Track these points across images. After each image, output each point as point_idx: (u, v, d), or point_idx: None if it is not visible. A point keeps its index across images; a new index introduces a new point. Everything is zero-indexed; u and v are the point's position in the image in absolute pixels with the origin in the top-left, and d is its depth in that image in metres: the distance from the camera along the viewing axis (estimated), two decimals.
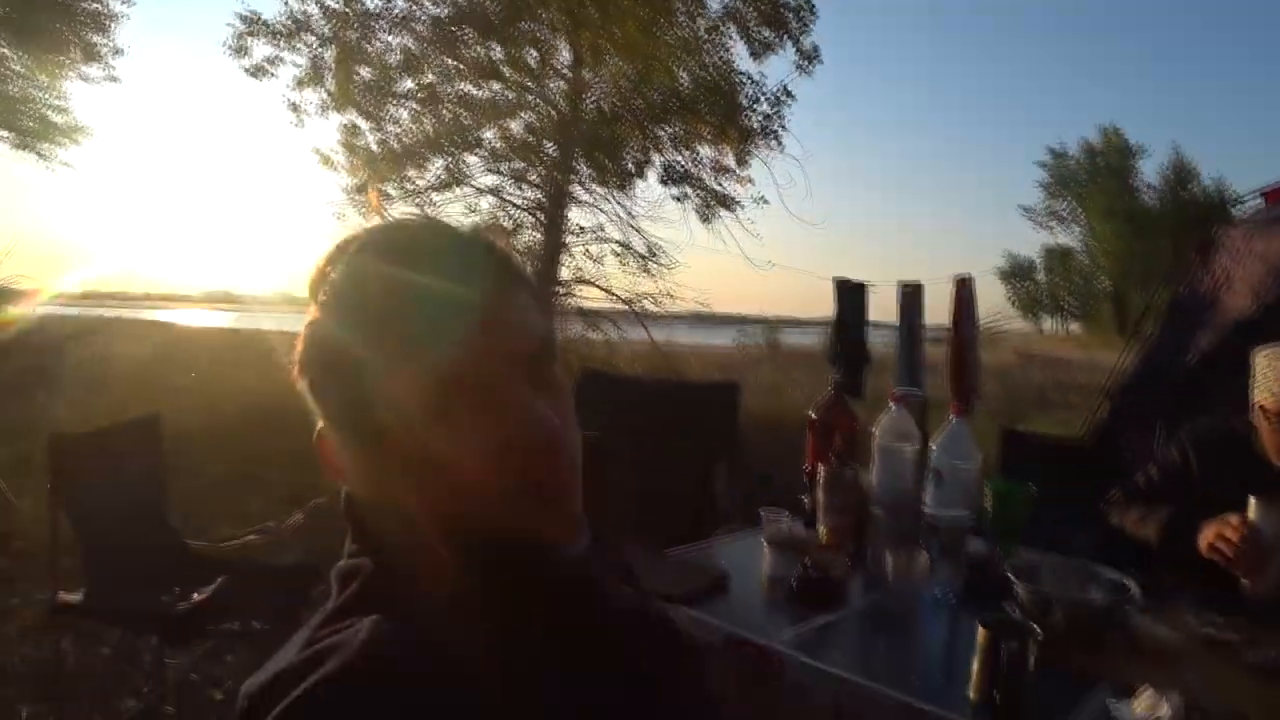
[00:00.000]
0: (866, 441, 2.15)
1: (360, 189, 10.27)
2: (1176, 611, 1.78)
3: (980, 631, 1.35)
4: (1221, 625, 1.69)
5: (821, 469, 2.11)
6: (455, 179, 10.68)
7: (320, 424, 0.77)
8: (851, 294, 7.68)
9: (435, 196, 10.83)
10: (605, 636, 0.77)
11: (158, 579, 2.67)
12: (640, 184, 10.60)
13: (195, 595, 2.30)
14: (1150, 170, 46.26)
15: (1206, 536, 1.93)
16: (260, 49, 9.97)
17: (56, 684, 2.78)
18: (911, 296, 7.43)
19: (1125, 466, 4.14)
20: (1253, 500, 1.77)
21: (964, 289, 7.21)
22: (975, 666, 1.35)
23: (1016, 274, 51.31)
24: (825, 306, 7.78)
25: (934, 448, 1.92)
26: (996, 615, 1.41)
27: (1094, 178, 40.89)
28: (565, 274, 11.46)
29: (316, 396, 0.76)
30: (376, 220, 0.76)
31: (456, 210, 11.15)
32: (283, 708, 0.61)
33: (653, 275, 11.45)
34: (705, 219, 10.91)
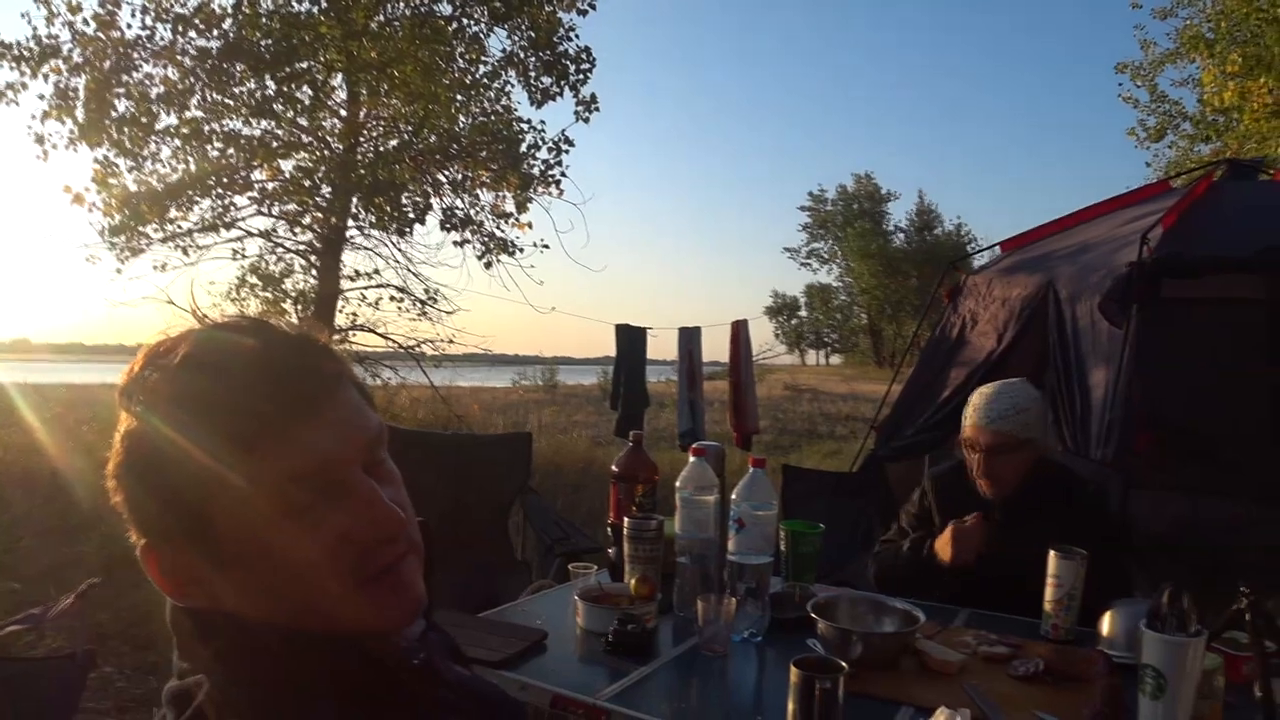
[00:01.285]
0: (668, 491, 2.22)
1: (117, 230, 9.53)
2: (957, 633, 1.97)
3: (794, 672, 1.43)
4: (994, 641, 1.88)
5: (626, 521, 2.16)
6: (223, 221, 10.14)
7: (141, 539, 0.74)
8: (631, 338, 7.88)
9: (200, 239, 10.25)
10: (452, 716, 0.78)
11: None
12: (419, 228, 10.44)
13: None
14: (899, 214, 50.28)
15: (945, 546, 2.31)
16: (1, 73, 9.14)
17: None
18: (690, 339, 7.71)
19: (892, 495, 4.49)
20: (1051, 553, 1.99)
21: (740, 330, 7.57)
22: (791, 705, 1.44)
23: (782, 310, 54.09)
24: (602, 347, 7.98)
25: (734, 496, 2.02)
26: (806, 656, 1.50)
27: (849, 220, 43.86)
28: (341, 320, 11.11)
29: (138, 508, 0.73)
30: (189, 326, 0.73)
31: (224, 252, 10.61)
32: None
33: (432, 320, 11.30)
34: (486, 264, 10.88)
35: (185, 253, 10.21)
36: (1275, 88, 9.12)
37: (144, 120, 9.29)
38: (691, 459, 2.12)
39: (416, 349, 11.20)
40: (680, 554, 2.08)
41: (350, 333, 11.16)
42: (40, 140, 9.40)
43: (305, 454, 0.70)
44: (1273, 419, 5.22)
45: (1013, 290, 4.51)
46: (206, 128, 9.61)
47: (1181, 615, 1.37)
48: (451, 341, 11.42)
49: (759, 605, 1.96)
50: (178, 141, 9.62)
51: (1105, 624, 1.87)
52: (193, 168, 9.57)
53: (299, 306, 11.16)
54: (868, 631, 1.81)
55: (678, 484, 2.09)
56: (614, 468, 2.45)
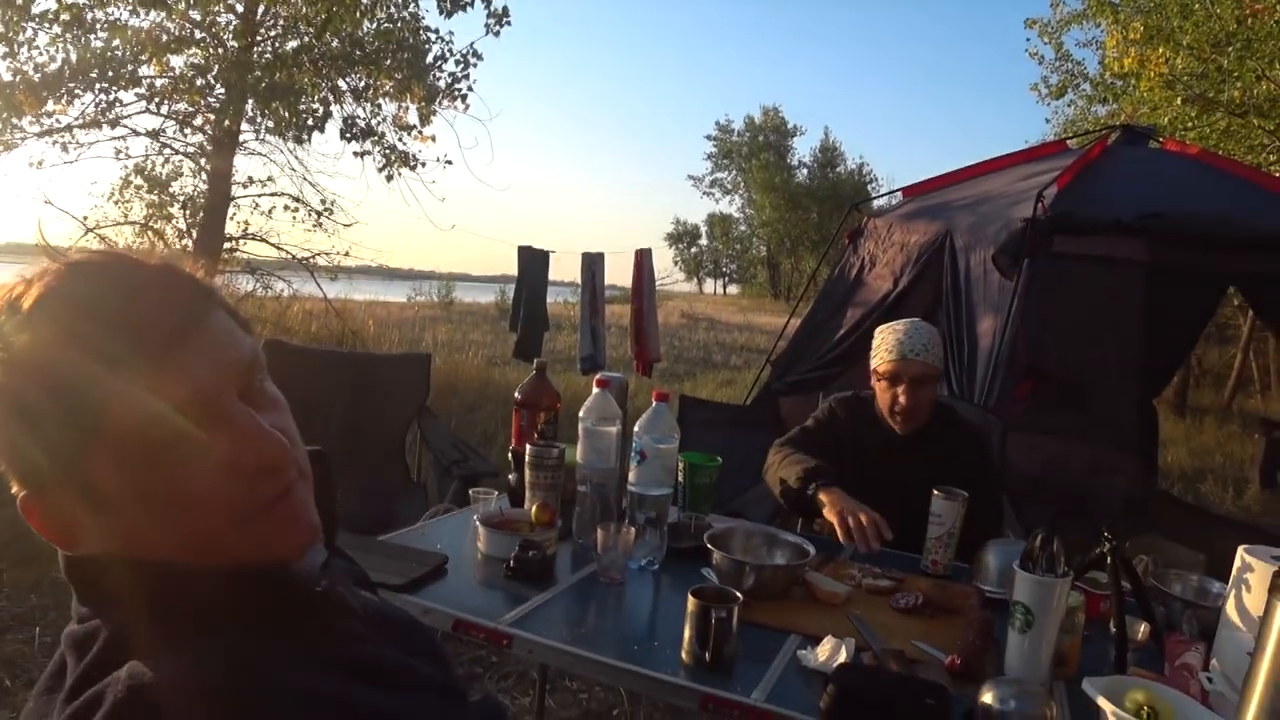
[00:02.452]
0: (570, 423, 2.25)
1: None
2: (843, 566, 2.07)
3: (691, 601, 1.50)
4: (877, 575, 1.98)
5: (529, 448, 2.18)
6: (107, 118, 9.57)
7: (20, 490, 0.72)
8: (533, 260, 7.83)
9: (82, 135, 9.67)
10: (357, 645, 0.78)
11: None
12: (318, 137, 10.06)
13: None
14: (804, 149, 50.62)
15: (837, 506, 2.21)
16: None
17: None
18: (593, 264, 7.70)
19: (785, 428, 4.62)
20: (935, 493, 2.10)
21: (644, 260, 7.59)
22: (687, 632, 1.50)
23: (683, 238, 54.27)
24: (500, 265, 7.96)
25: (637, 429, 2.06)
26: (703, 586, 1.57)
27: (755, 152, 43.96)
28: (232, 228, 10.71)
29: (13, 461, 0.71)
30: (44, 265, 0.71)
31: (107, 151, 10.05)
32: None
33: (328, 231, 10.99)
34: (387, 177, 10.59)
35: (64, 149, 9.61)
36: (1171, 59, 9.42)
37: (19, 2, 8.63)
38: (595, 390, 2.14)
39: (310, 261, 10.90)
40: (581, 483, 2.12)
41: (241, 241, 10.79)
42: None
43: (175, 386, 0.69)
44: (1140, 373, 5.55)
45: (911, 236, 4.64)
46: (89, 15, 8.99)
47: (1051, 557, 1.48)
48: (347, 254, 11.16)
49: (657, 535, 2.01)
50: (57, 28, 8.97)
51: (980, 561, 2.00)
52: (74, 58, 8.93)
53: (186, 212, 10.70)
54: (760, 564, 1.89)
55: (581, 414, 2.11)
56: (517, 395, 2.47)
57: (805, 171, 44.65)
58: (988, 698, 1.34)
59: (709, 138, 46.65)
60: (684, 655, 1.51)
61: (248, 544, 0.73)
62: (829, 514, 2.22)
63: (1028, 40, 12.66)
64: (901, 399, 2.46)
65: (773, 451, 2.61)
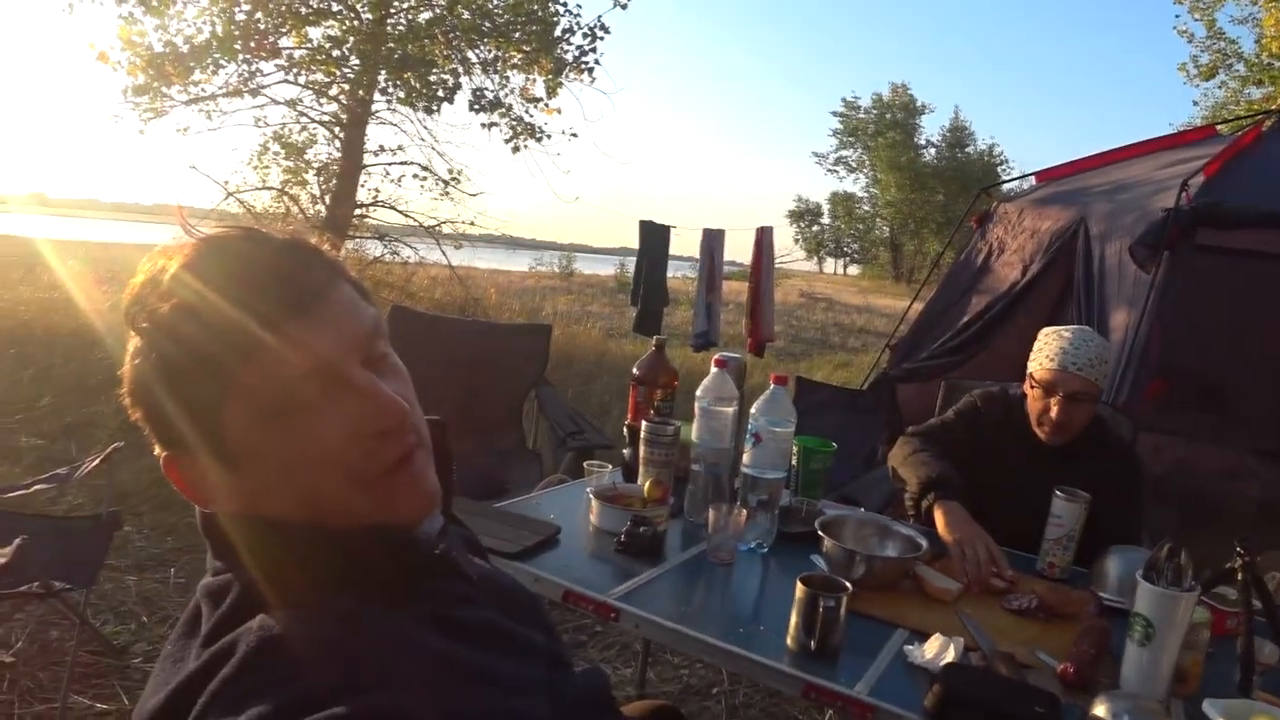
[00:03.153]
0: (686, 399, 2.27)
1: (140, 90, 9.42)
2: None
3: (799, 588, 1.50)
4: (991, 575, 1.94)
5: (644, 424, 2.21)
6: (248, 87, 10.00)
7: (162, 451, 0.78)
8: (655, 235, 7.84)
9: (225, 104, 10.15)
10: (468, 608, 0.81)
11: None
12: (447, 107, 10.30)
13: None
14: (932, 128, 49.20)
15: (953, 532, 2.04)
16: None
17: None
18: (713, 241, 7.67)
19: (901, 415, 4.55)
20: (1056, 493, 2.02)
21: (764, 237, 7.53)
22: (794, 619, 1.51)
23: (804, 216, 53.54)
24: (620, 238, 8.01)
25: (754, 411, 2.06)
26: (812, 574, 1.56)
27: (881, 130, 42.95)
28: (363, 195, 11.08)
29: (155, 422, 0.77)
30: (184, 238, 0.76)
31: (247, 119, 10.51)
32: (194, 716, 0.64)
33: (454, 200, 11.26)
34: (514, 149, 10.76)
35: (208, 117, 10.14)
36: None
37: None
38: (713, 370, 2.15)
39: (436, 228, 11.19)
40: (695, 461, 2.13)
41: (371, 208, 11.15)
42: None
43: (302, 352, 0.73)
44: None
45: (1043, 222, 4.48)
46: None
47: (1178, 570, 1.42)
48: (472, 223, 11.42)
49: (768, 518, 2.02)
50: (204, 1, 9.43)
51: (1101, 567, 1.93)
52: (219, 30, 9.37)
53: (320, 178, 11.13)
54: (871, 554, 1.87)
55: (698, 393, 2.12)
56: (635, 370, 2.49)
57: (933, 151, 43.46)
58: (1100, 710, 1.30)
59: (835, 114, 45.83)
60: (789, 641, 1.52)
61: (369, 506, 0.77)
62: (943, 535, 2.06)
63: (1176, 16, 12.00)
64: (1053, 412, 2.29)
65: (901, 442, 2.46)
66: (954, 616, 1.70)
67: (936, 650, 1.51)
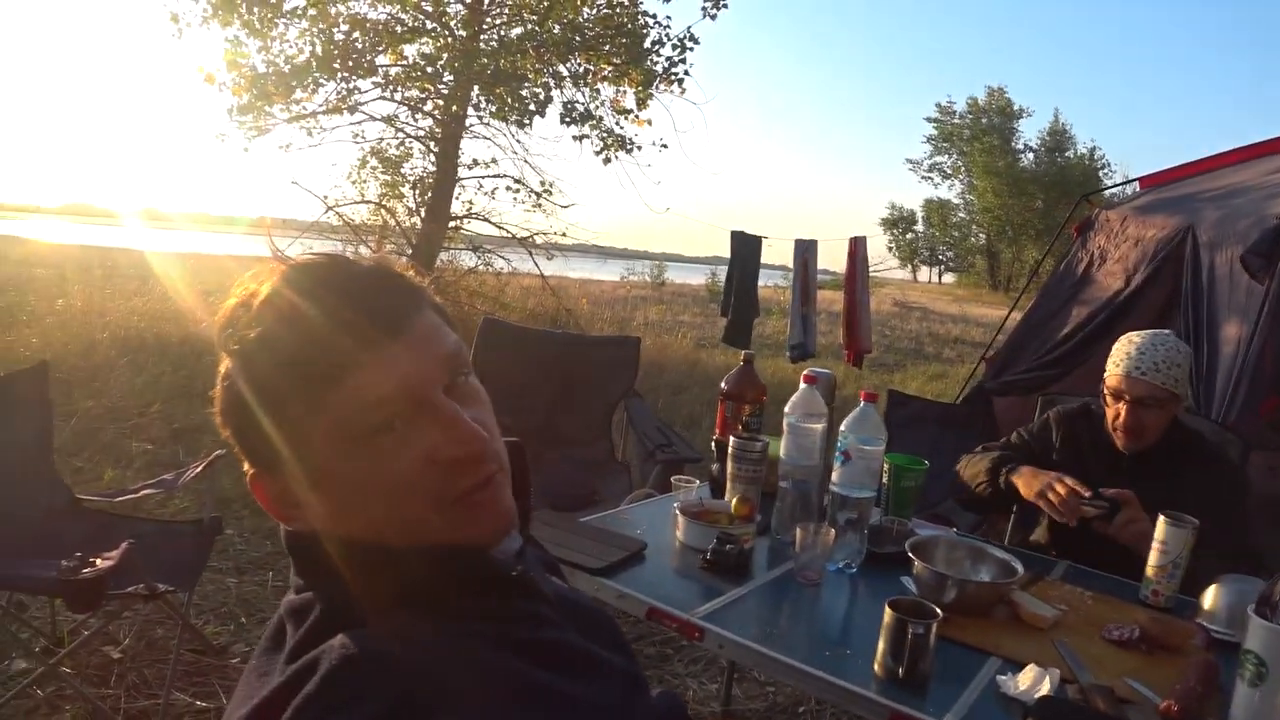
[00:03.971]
0: (775, 413, 2.24)
1: (245, 110, 9.80)
2: (1052, 586, 1.96)
3: (887, 613, 1.47)
4: (1092, 600, 1.87)
5: (732, 440, 2.19)
6: (347, 104, 10.32)
7: (250, 469, 0.80)
8: (746, 245, 7.80)
9: (324, 121, 10.48)
10: (546, 629, 0.82)
11: (54, 542, 2.59)
12: (538, 120, 10.45)
13: (99, 561, 2.24)
14: (1030, 132, 48.00)
15: (1033, 485, 2.24)
16: None
17: None
18: (806, 251, 7.60)
19: (997, 430, 4.42)
20: (1161, 519, 1.94)
21: (858, 247, 7.43)
22: (881, 645, 1.47)
23: (898, 223, 52.76)
24: (711, 246, 8.01)
25: (843, 429, 2.03)
26: (900, 598, 1.53)
27: (977, 135, 42.08)
28: (457, 207, 11.29)
29: (244, 442, 0.79)
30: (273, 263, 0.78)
31: (346, 135, 10.83)
32: None
33: (546, 212, 11.39)
34: (605, 160, 10.85)
35: (309, 134, 10.48)
36: None
37: (273, 1, 9.43)
38: (802, 385, 2.13)
39: (529, 240, 11.34)
40: (783, 478, 2.11)
41: (465, 220, 11.35)
42: (175, 19, 9.64)
43: (386, 377, 0.75)
44: None
45: (1148, 230, 4.31)
46: (333, 9, 9.72)
47: None
48: (564, 235, 11.53)
49: (857, 537, 1.98)
50: (304, 22, 9.76)
51: (1209, 597, 1.81)
52: (318, 50, 9.70)
53: (416, 191, 11.36)
54: (963, 578, 1.82)
55: (786, 409, 2.10)
56: (723, 385, 2.49)
57: (1031, 156, 42.39)
58: None
59: (929, 120, 45.14)
60: (876, 667, 1.48)
61: (448, 528, 0.78)
62: (1027, 496, 2.24)
63: None
64: (1122, 417, 2.31)
65: (962, 461, 2.56)
66: (1050, 646, 1.64)
67: (1030, 681, 1.46)
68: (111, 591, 2.28)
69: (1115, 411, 2.33)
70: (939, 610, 1.48)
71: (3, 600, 2.66)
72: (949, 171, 45.47)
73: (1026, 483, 2.27)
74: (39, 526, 2.69)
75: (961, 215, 48.00)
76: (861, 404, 2.04)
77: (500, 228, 11.37)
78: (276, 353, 0.74)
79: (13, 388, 2.80)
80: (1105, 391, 2.38)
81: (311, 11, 9.65)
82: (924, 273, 55.58)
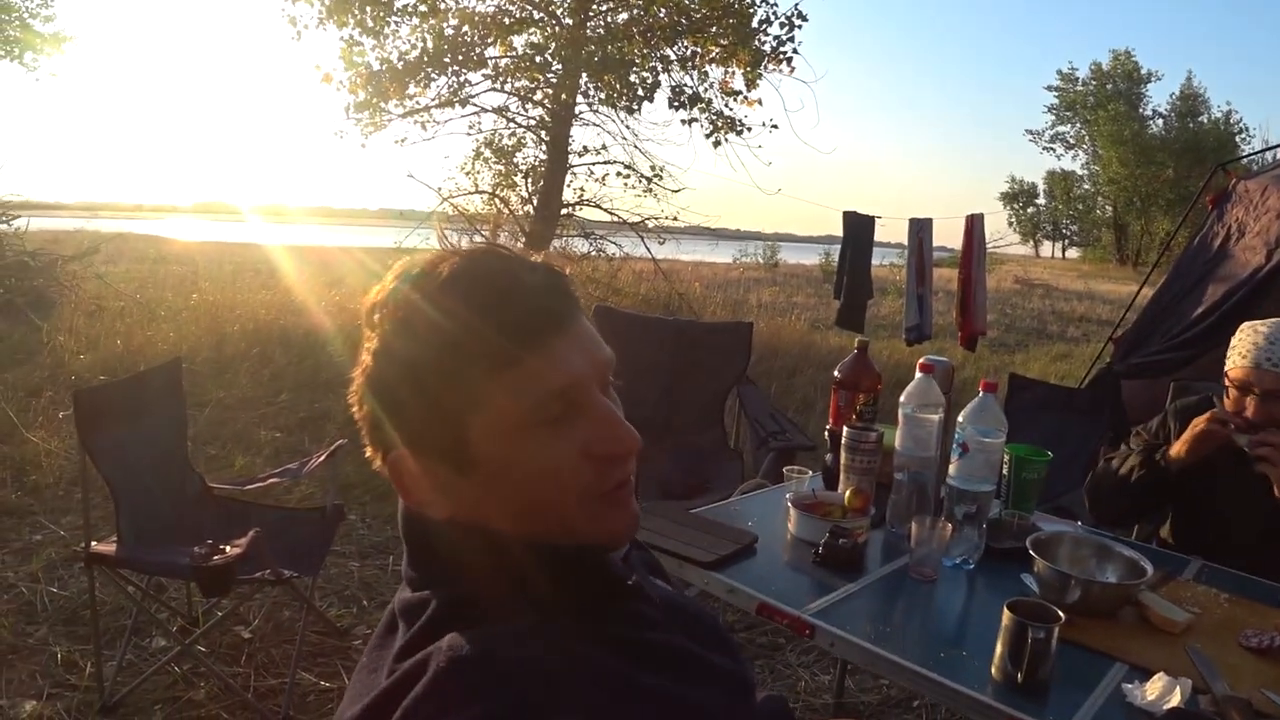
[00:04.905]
0: (891, 399, 2.19)
1: (361, 107, 10.12)
2: (1185, 586, 1.87)
3: (1006, 615, 1.42)
4: (1229, 602, 1.78)
5: (845, 430, 2.15)
6: (459, 97, 10.54)
7: (392, 450, 0.80)
8: (859, 226, 7.64)
9: (438, 114, 10.73)
10: (653, 632, 0.82)
11: (188, 528, 2.74)
12: (647, 106, 10.48)
13: (228, 548, 2.36)
14: (1160, 97, 45.68)
15: (1184, 438, 2.22)
16: None
17: (86, 623, 2.86)
18: (921, 230, 7.40)
19: (1125, 417, 4.23)
20: None
21: (975, 225, 7.20)
22: (999, 648, 1.43)
23: (1018, 197, 51.04)
24: (825, 225, 7.88)
25: (961, 420, 1.97)
26: (1020, 599, 1.47)
27: (1102, 102, 40.27)
28: (569, 194, 11.42)
29: (395, 419, 0.79)
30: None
31: (459, 128, 11.10)
32: None
33: (657, 197, 11.43)
34: (715, 143, 10.80)
35: (424, 127, 10.76)
36: None
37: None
38: (918, 374, 2.08)
39: (640, 224, 11.40)
40: (898, 470, 2.06)
41: (576, 207, 11.48)
42: (293, 22, 10.00)
43: (558, 369, 0.77)
44: None
45: None
46: (443, 5, 9.94)
47: None
48: (675, 219, 11.55)
49: (975, 532, 1.92)
50: (416, 19, 10.02)
51: None
52: (430, 45, 9.93)
53: (528, 180, 11.55)
54: (1088, 578, 1.75)
55: (902, 399, 2.06)
56: (836, 373, 2.43)
57: (1160, 122, 40.39)
58: None
59: (1049, 88, 43.43)
60: (993, 671, 1.44)
61: (586, 522, 0.80)
62: (1186, 456, 2.20)
63: None
64: (1249, 412, 2.14)
65: (1098, 470, 2.46)
66: (1182, 652, 1.56)
67: (1160, 691, 1.39)
68: (240, 577, 2.39)
69: (1240, 406, 2.17)
70: (1061, 613, 1.42)
71: (143, 582, 2.81)
72: (1072, 141, 43.78)
73: (1179, 449, 2.22)
74: (174, 513, 2.84)
75: (1086, 187, 46.15)
76: (980, 394, 1.98)
77: (611, 214, 11.48)
78: (452, 335, 0.75)
79: (150, 382, 2.95)
80: (1227, 381, 2.21)
81: (422, 8, 9.90)
82: (1046, 248, 53.68)
